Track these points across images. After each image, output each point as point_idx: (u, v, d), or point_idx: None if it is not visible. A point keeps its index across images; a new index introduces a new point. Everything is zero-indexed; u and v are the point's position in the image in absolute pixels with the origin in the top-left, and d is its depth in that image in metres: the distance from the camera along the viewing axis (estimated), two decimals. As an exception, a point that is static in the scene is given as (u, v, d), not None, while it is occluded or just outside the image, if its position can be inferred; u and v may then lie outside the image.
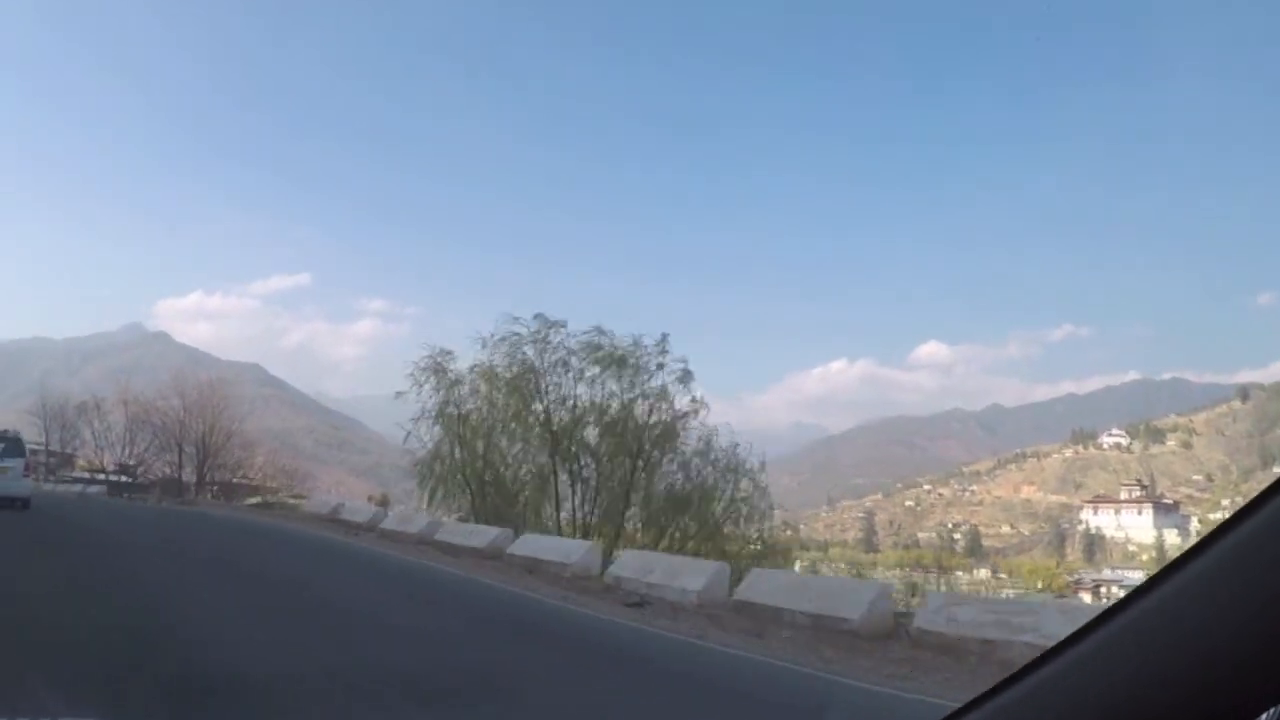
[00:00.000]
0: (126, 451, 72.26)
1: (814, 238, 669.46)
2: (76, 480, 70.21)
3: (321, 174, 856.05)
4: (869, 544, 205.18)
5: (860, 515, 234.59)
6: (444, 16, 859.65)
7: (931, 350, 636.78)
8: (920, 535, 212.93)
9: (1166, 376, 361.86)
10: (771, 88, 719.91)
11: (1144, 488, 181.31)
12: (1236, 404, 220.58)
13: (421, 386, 36.43)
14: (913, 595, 44.80)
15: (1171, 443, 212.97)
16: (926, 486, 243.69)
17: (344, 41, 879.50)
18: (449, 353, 36.97)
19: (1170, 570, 1.28)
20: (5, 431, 30.25)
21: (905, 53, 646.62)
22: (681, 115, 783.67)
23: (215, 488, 66.76)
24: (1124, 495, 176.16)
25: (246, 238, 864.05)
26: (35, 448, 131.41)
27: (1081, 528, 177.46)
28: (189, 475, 67.15)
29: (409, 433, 36.50)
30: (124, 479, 67.87)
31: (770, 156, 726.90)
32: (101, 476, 70.02)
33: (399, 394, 36.63)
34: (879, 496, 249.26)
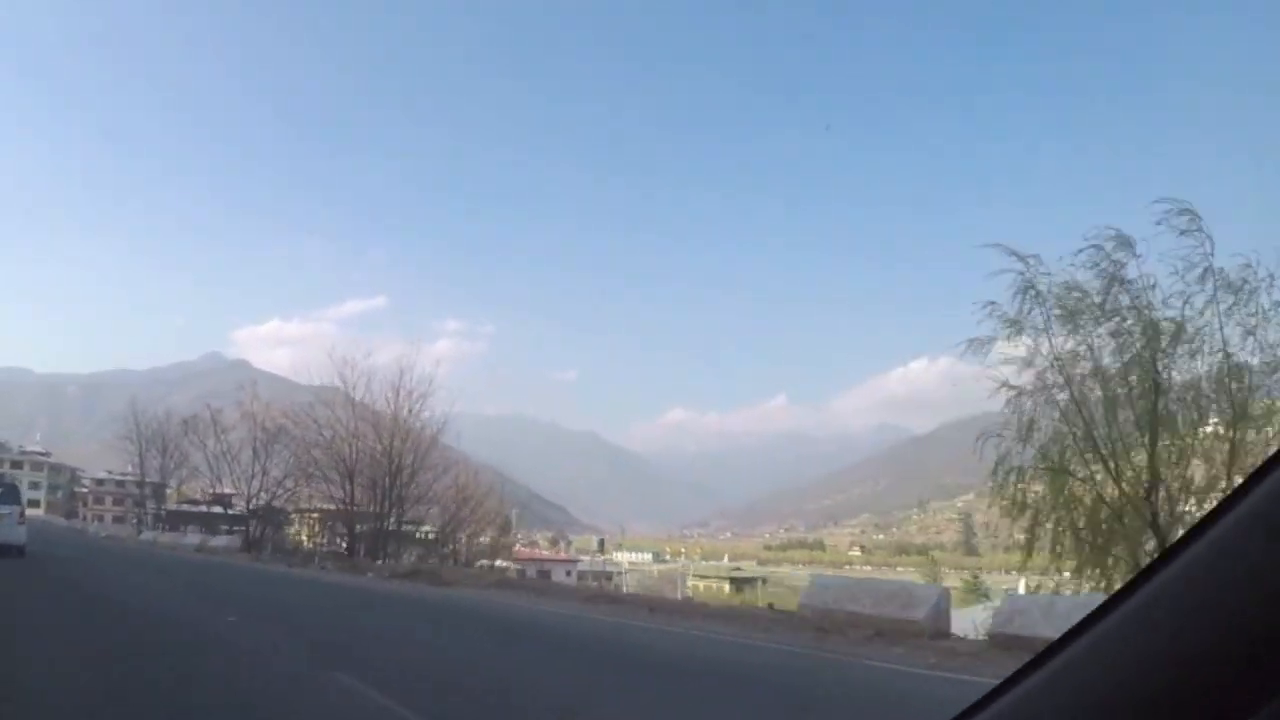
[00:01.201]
0: (256, 483, 56.53)
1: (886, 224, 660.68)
2: (186, 518, 64.40)
3: (391, 202, 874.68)
4: (968, 546, 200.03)
5: (954, 517, 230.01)
6: (512, 43, 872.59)
7: (1012, 345, 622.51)
8: (1019, 537, 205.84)
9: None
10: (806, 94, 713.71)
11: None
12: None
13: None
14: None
15: None
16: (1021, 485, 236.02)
17: (408, 73, 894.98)
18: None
19: (1149, 573, 1.29)
20: (2, 477, 30.38)
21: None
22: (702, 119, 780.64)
23: (418, 552, 50.44)
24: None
25: (321, 265, 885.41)
26: (122, 479, 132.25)
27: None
28: (360, 523, 52.15)
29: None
30: (253, 526, 55.96)
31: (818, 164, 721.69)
32: (223, 524, 61.24)
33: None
34: (971, 496, 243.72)
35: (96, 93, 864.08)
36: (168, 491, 72.07)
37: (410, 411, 50.88)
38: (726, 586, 70.26)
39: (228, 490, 59.36)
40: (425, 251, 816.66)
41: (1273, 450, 1.00)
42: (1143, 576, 1.29)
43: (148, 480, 69.66)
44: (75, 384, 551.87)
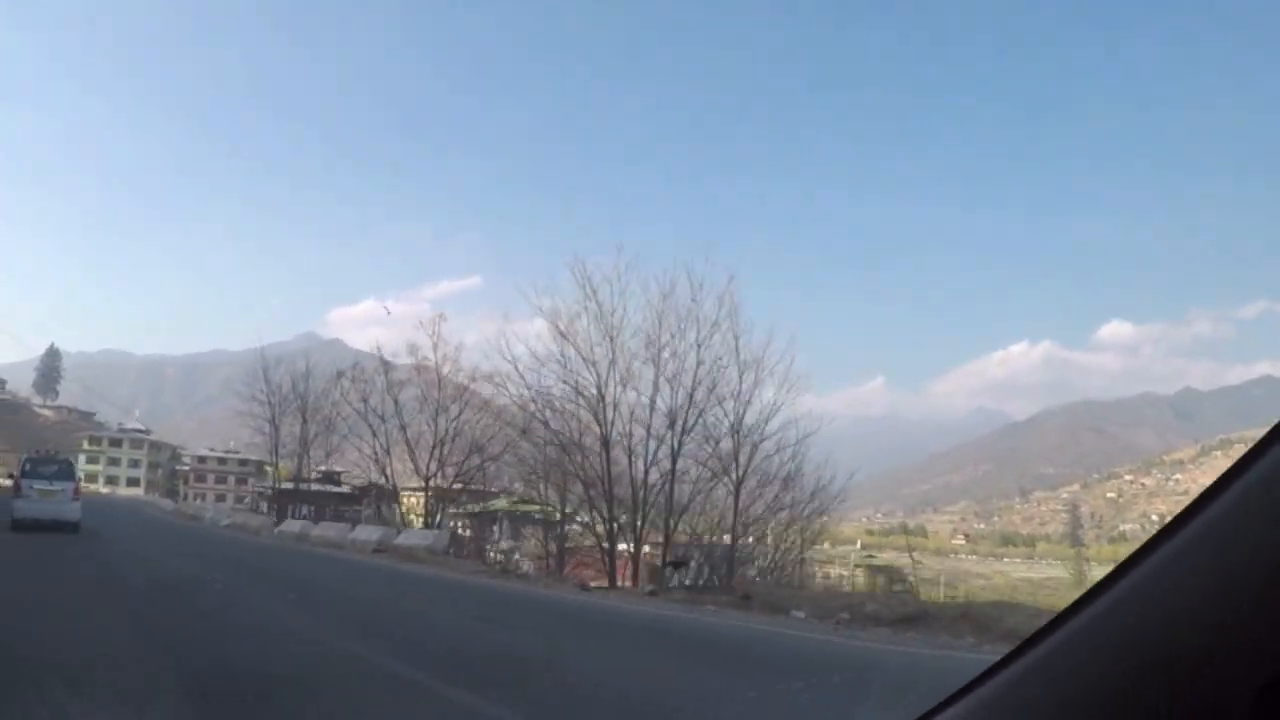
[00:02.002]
0: (432, 459, 47.53)
1: (981, 215, 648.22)
2: (296, 498, 57.08)
3: (484, 182, 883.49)
4: (1074, 538, 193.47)
5: (1059, 508, 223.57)
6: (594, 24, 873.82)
7: (1115, 330, 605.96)
8: (1125, 528, 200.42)
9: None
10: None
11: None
12: None
13: None
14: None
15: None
16: (1128, 477, 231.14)
17: (491, 56, 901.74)
18: None
19: (1147, 550, 1.34)
20: (55, 453, 32.80)
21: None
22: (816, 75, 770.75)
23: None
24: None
25: (415, 248, 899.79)
26: (225, 456, 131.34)
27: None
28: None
29: None
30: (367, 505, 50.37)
31: (934, 130, 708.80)
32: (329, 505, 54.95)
33: None
34: (1076, 487, 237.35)
35: (192, 82, 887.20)
36: (267, 469, 68.75)
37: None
38: (860, 574, 65.76)
39: (399, 468, 51.89)
40: (519, 233, 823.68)
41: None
42: (1117, 573, 1.36)
43: (278, 457, 58.99)
44: (173, 365, 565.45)
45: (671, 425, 35.77)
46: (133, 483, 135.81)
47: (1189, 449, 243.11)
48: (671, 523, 36.13)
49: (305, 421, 54.81)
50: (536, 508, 47.32)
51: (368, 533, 37.54)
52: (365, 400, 50.21)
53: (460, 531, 49.62)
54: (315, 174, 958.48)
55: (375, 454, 50.85)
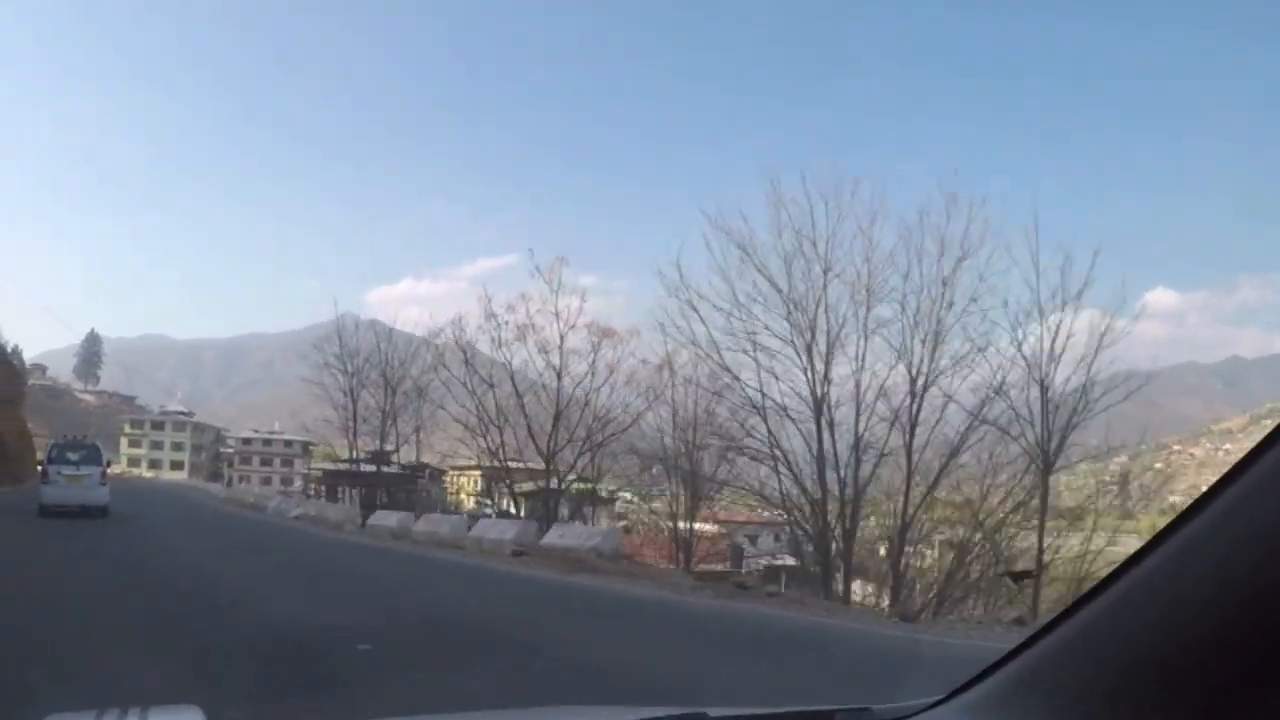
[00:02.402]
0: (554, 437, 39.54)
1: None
2: (345, 480, 53.34)
3: (520, 161, 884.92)
4: (1123, 509, 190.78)
5: (1106, 479, 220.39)
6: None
7: (1159, 297, 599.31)
8: (1174, 500, 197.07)
9: None
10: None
11: None
12: None
13: None
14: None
15: None
16: (1176, 447, 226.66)
17: (529, 45, 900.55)
18: None
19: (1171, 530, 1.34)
20: (83, 438, 32.09)
21: None
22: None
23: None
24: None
25: (452, 226, 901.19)
26: (270, 437, 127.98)
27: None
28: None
29: None
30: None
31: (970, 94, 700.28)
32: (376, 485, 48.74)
33: None
34: (1124, 458, 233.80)
35: (227, 63, 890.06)
36: (313, 449, 65.73)
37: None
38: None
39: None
40: (556, 211, 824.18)
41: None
42: (1141, 553, 1.36)
43: (356, 433, 50.96)
44: (212, 349, 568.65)
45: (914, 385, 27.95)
46: (176, 466, 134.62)
47: (1237, 418, 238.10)
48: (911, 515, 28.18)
49: (391, 391, 47.55)
50: (605, 487, 43.82)
51: (497, 529, 28.07)
52: (468, 362, 42.00)
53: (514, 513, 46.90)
54: (350, 155, 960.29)
55: (483, 426, 42.46)
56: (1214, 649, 1.21)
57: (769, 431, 29.74)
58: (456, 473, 60.08)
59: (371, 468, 50.26)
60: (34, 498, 28.08)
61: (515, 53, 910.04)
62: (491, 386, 41.88)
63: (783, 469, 29.60)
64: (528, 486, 47.10)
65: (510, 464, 43.18)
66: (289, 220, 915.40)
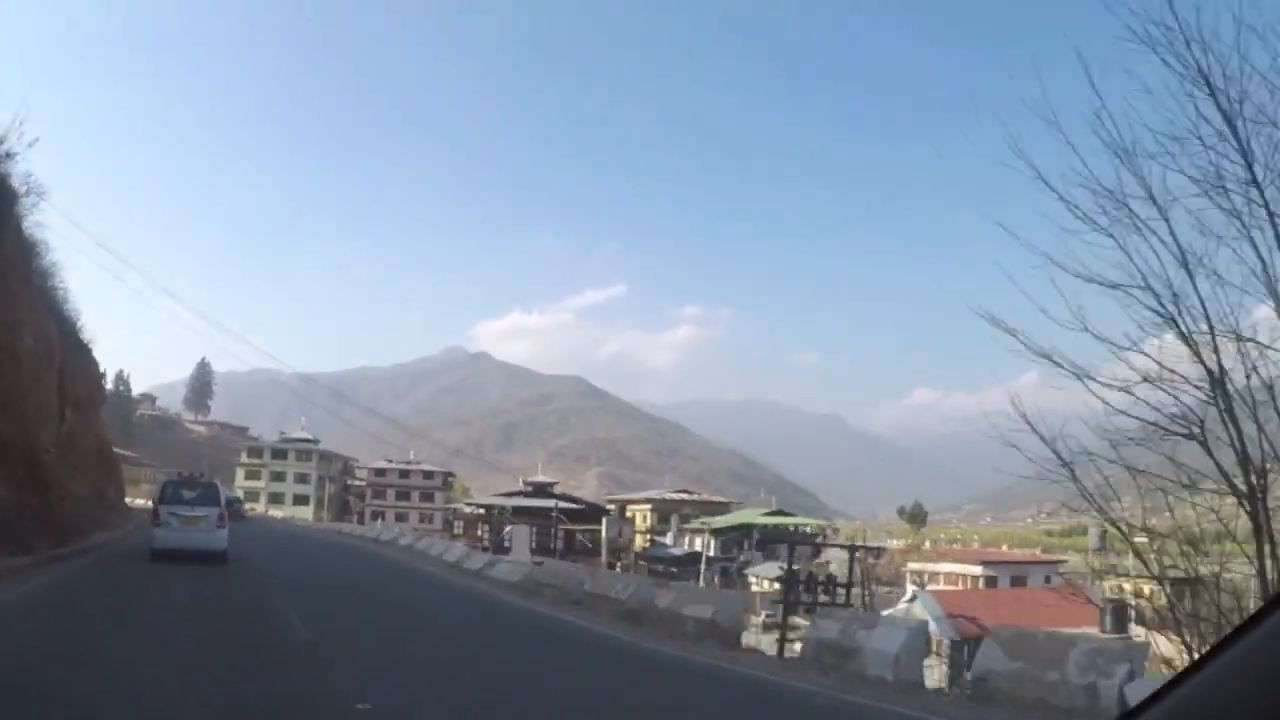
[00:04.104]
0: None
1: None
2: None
3: (624, 194, 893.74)
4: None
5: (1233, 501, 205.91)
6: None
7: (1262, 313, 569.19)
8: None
9: None
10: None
11: None
12: None
13: None
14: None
15: None
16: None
17: (629, 80, 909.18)
18: None
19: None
20: (200, 475, 29.80)
21: None
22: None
23: None
24: None
25: (558, 259, 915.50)
26: (407, 468, 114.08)
27: None
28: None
29: None
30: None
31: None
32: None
33: None
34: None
35: (334, 97, 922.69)
36: (451, 480, 58.36)
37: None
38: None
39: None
40: (661, 240, 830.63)
41: None
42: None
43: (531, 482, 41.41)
44: (323, 382, 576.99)
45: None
46: (299, 500, 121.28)
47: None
48: None
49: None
50: (795, 521, 36.95)
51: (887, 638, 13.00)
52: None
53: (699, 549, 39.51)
54: (459, 192, 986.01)
55: None
56: None
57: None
58: (623, 506, 51.60)
59: (540, 502, 39.54)
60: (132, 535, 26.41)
61: (626, 100, 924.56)
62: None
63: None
64: (719, 522, 40.20)
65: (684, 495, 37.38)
66: (398, 257, 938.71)
